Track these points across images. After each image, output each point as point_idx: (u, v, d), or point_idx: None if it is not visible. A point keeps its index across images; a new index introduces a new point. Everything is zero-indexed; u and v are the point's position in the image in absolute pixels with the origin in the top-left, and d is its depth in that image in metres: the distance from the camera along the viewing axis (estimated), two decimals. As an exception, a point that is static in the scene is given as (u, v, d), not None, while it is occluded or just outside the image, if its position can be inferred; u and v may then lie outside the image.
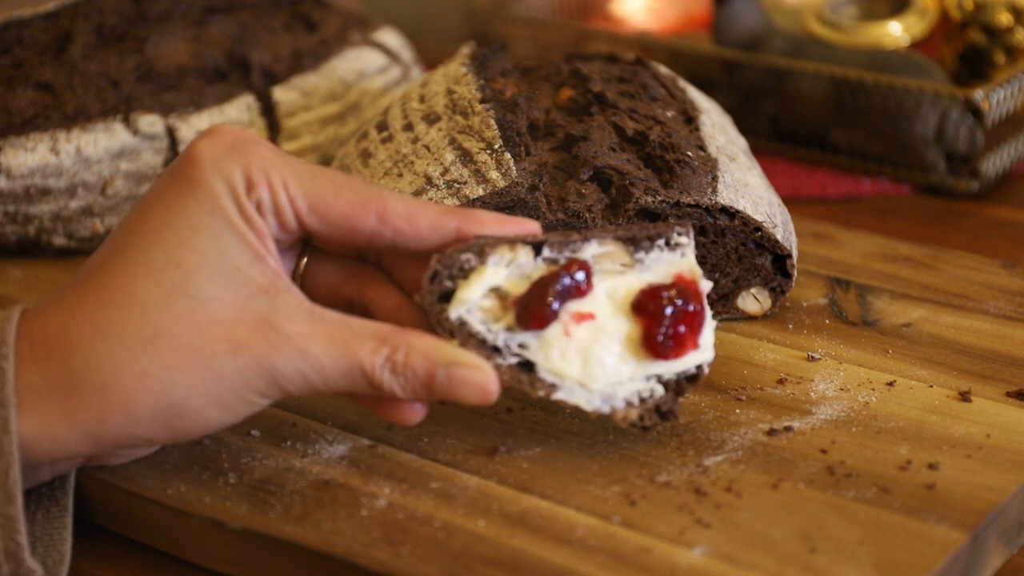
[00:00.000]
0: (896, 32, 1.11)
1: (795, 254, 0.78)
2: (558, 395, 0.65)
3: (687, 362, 0.66)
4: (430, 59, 1.09)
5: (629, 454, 0.67)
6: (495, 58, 0.84)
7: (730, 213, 0.76)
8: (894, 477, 0.65)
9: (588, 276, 0.65)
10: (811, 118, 1.02)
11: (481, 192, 0.74)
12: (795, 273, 0.78)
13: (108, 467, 0.67)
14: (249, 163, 0.63)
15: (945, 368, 0.74)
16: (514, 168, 0.74)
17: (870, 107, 0.98)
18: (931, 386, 0.72)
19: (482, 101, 0.78)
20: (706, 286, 0.66)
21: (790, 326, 0.78)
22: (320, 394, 0.64)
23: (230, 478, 0.66)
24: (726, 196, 0.75)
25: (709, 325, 0.66)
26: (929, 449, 0.67)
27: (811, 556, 0.60)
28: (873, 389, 0.72)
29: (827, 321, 0.78)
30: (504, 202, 0.74)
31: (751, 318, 0.79)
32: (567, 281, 0.65)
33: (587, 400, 0.65)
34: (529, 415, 0.70)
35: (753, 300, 0.78)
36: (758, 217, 0.76)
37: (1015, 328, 0.77)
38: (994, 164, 0.99)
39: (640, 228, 0.67)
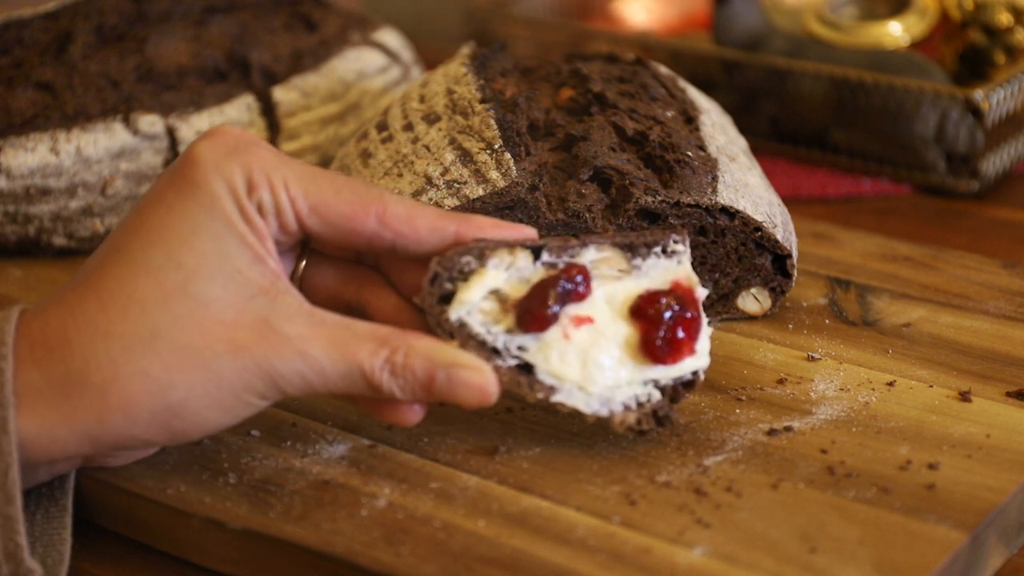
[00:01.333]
0: (896, 32, 1.11)
1: (795, 254, 0.78)
2: (557, 397, 0.65)
3: (684, 368, 0.66)
4: (430, 59, 1.09)
5: (629, 454, 0.67)
6: (495, 58, 0.84)
7: (730, 213, 0.76)
8: (894, 477, 0.65)
9: (587, 280, 0.65)
10: (811, 118, 1.02)
11: (481, 192, 0.74)
12: (795, 273, 0.78)
13: (108, 468, 0.67)
14: (250, 164, 0.63)
15: (945, 368, 0.74)
16: (514, 168, 0.74)
17: (870, 107, 0.98)
18: (931, 386, 0.72)
19: (482, 101, 0.78)
20: (702, 293, 0.67)
21: (790, 326, 0.78)
22: (319, 395, 0.64)
23: (230, 478, 0.66)
24: (726, 196, 0.75)
25: (705, 332, 0.67)
26: (929, 449, 0.67)
27: (811, 556, 0.60)
28: (873, 389, 0.72)
29: (827, 321, 0.78)
30: (504, 202, 0.74)
31: (751, 318, 0.79)
32: (567, 284, 0.65)
33: (585, 403, 0.65)
34: (529, 415, 0.70)
35: (753, 300, 0.78)
36: (758, 217, 0.76)
37: (1015, 328, 0.77)
38: (994, 164, 0.99)
39: (637, 235, 0.67)
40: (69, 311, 0.62)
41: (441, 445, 0.68)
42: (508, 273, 0.65)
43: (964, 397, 0.71)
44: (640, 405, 0.66)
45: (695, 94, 0.86)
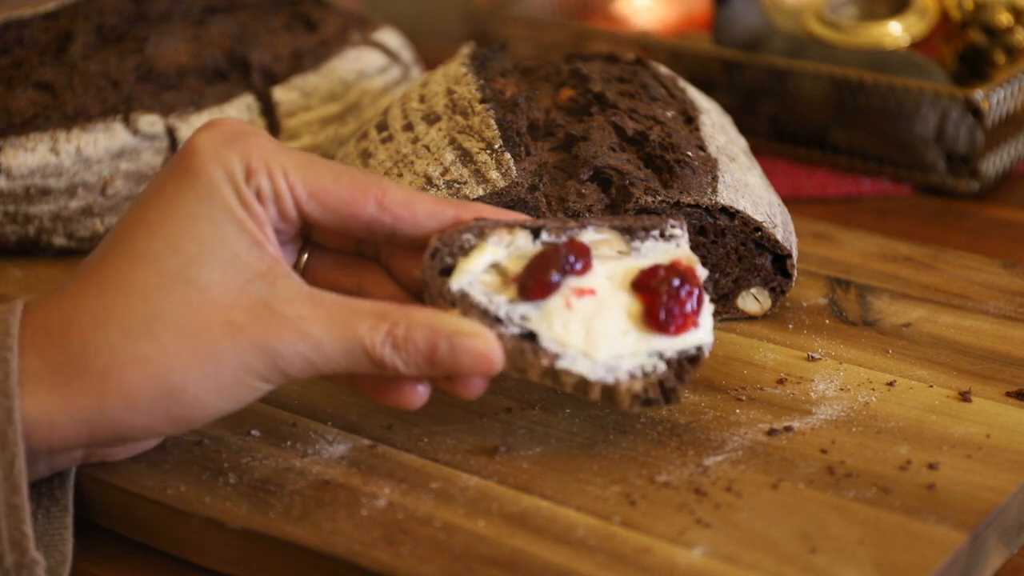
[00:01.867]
0: (896, 32, 1.11)
1: (795, 254, 0.78)
2: (562, 364, 0.64)
3: (688, 340, 0.65)
4: (430, 59, 1.09)
5: (629, 454, 0.67)
6: (495, 58, 0.84)
7: (730, 213, 0.76)
8: (894, 477, 0.65)
9: (587, 256, 0.65)
10: (811, 118, 1.02)
11: (481, 192, 0.74)
12: (795, 273, 0.78)
13: (108, 467, 0.67)
14: (248, 152, 0.63)
15: (945, 368, 0.74)
16: (514, 168, 0.74)
17: (870, 107, 0.98)
18: (931, 386, 0.72)
19: (482, 101, 0.78)
20: (703, 272, 0.66)
21: (790, 326, 0.78)
22: (321, 378, 0.64)
23: (230, 478, 0.66)
24: (726, 196, 0.75)
25: (708, 308, 0.66)
26: (929, 449, 0.67)
27: (811, 556, 0.60)
28: (873, 389, 0.72)
29: (827, 321, 0.78)
30: (504, 202, 0.74)
31: (751, 318, 0.79)
32: (568, 256, 0.65)
33: (591, 370, 0.64)
34: (529, 415, 0.70)
35: (753, 300, 0.78)
36: (758, 217, 0.76)
37: (1015, 328, 0.77)
38: (994, 164, 0.99)
39: (635, 219, 0.67)
40: (71, 300, 0.62)
41: (441, 445, 0.68)
42: (508, 250, 0.66)
43: (964, 397, 0.71)
44: (646, 375, 0.65)
45: (695, 94, 0.86)
